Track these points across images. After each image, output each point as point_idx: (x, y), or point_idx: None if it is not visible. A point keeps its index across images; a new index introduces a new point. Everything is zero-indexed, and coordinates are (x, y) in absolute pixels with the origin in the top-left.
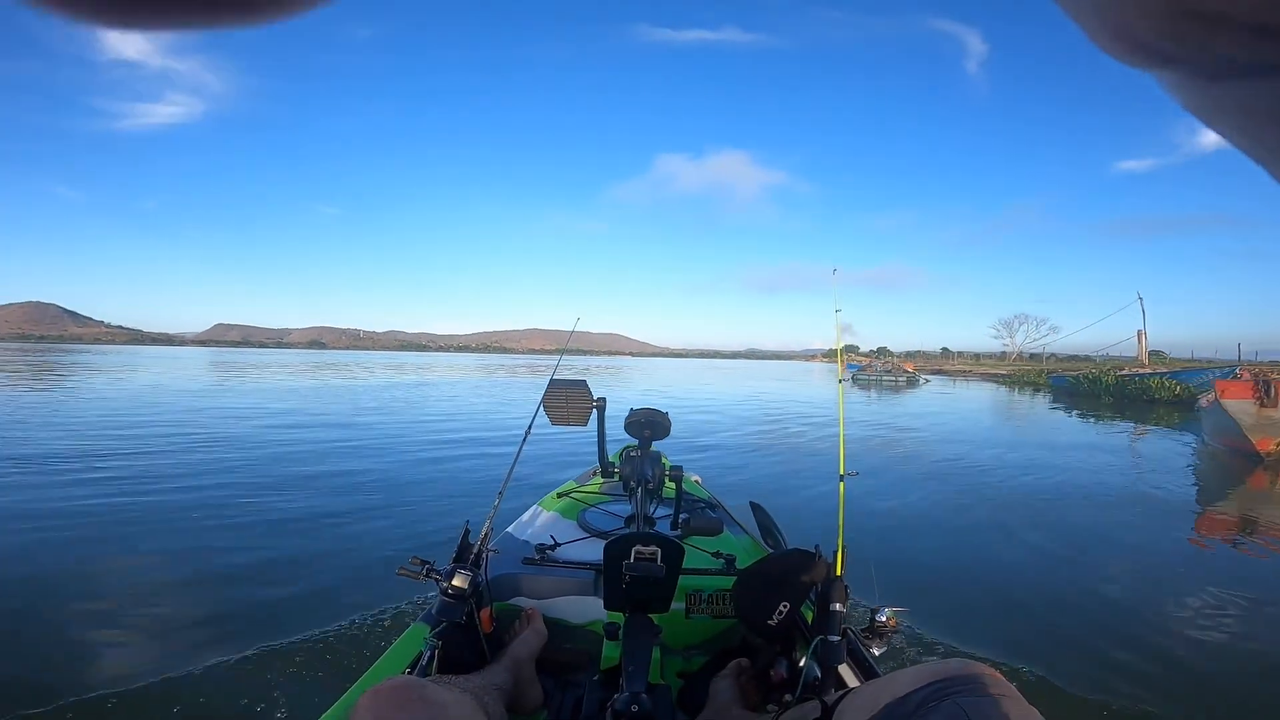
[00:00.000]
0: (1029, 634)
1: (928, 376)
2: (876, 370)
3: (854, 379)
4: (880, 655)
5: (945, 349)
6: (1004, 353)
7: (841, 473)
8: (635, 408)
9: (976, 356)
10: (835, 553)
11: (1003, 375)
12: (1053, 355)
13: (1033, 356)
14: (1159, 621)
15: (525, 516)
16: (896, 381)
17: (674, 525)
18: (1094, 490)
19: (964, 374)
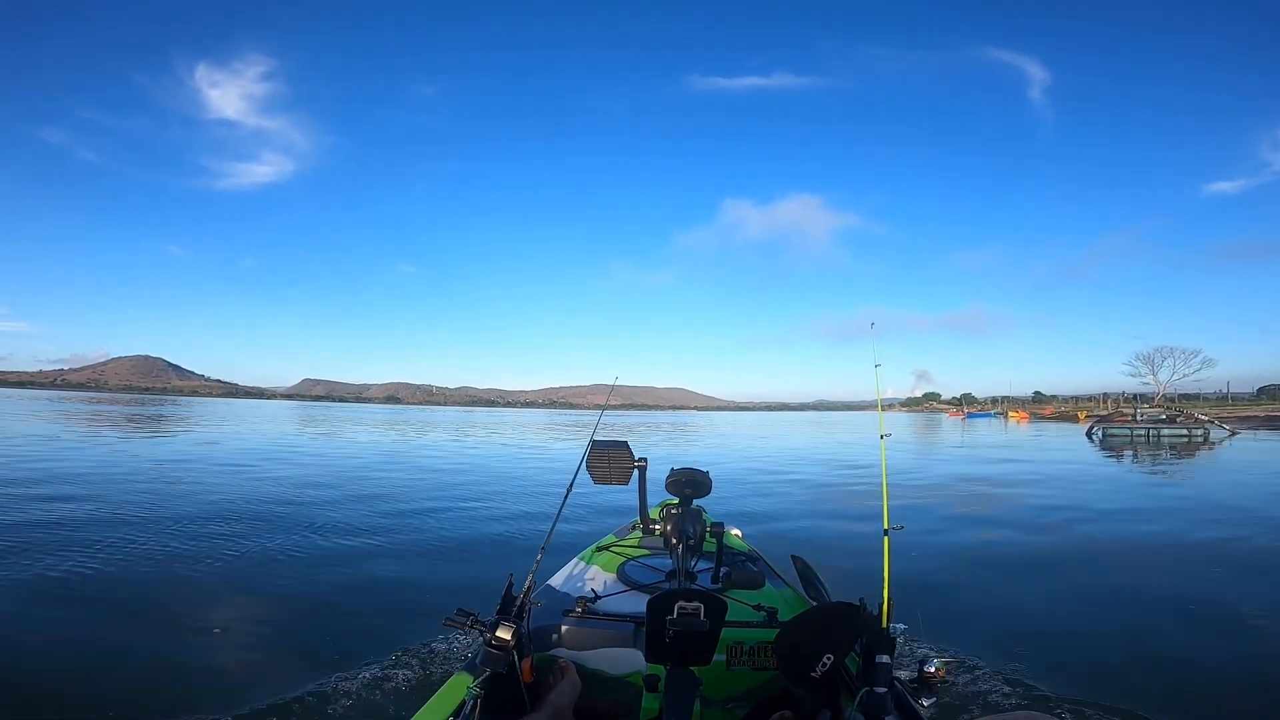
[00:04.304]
0: None
1: (1227, 426)
2: (1143, 421)
3: (1101, 436)
4: (929, 706)
5: (1037, 393)
6: (1151, 394)
7: (885, 527)
8: (676, 467)
9: (1076, 399)
10: (881, 605)
11: None
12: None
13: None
14: None
15: (566, 569)
16: (1190, 436)
17: (715, 579)
18: None
19: (1216, 423)
